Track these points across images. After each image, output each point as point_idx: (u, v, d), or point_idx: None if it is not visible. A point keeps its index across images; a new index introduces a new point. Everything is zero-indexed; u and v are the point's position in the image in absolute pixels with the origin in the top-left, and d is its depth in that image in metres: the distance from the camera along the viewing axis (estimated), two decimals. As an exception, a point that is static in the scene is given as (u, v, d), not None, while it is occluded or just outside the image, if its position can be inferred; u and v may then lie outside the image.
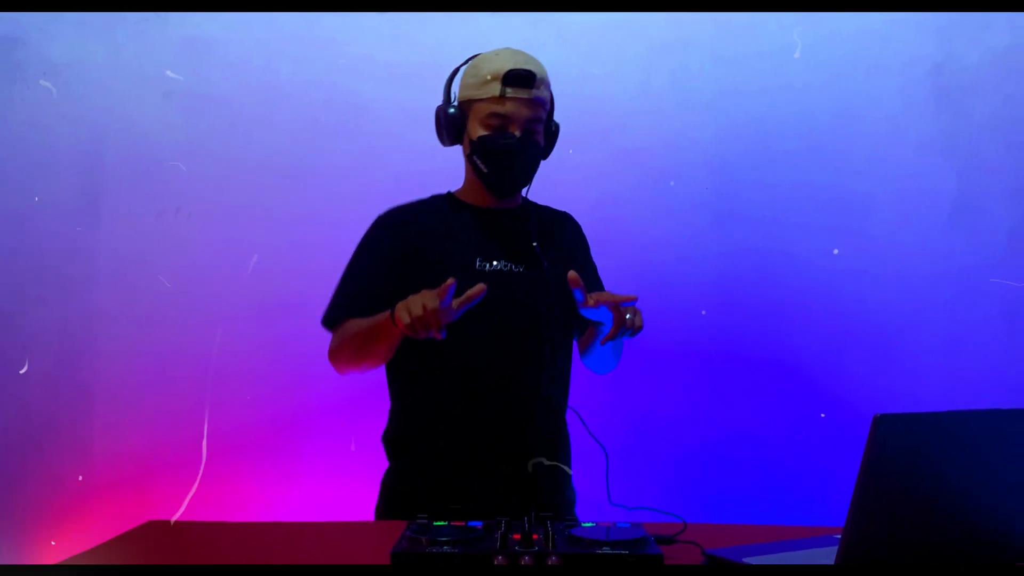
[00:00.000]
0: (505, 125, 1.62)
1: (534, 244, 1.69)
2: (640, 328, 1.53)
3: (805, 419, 2.58)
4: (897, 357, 2.59)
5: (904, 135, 2.61)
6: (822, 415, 2.57)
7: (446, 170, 2.41)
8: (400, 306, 1.45)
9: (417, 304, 1.41)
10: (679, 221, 2.64)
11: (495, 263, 1.67)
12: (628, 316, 1.50)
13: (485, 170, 1.65)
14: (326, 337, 2.57)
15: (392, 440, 1.71)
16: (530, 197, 1.78)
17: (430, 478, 1.64)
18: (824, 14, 2.55)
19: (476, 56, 1.69)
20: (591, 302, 1.50)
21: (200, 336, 2.59)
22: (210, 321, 2.59)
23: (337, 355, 1.68)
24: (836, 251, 2.59)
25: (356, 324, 1.62)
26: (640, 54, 2.66)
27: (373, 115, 2.61)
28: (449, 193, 1.79)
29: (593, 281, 1.80)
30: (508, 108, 1.61)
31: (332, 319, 1.69)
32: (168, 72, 2.61)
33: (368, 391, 2.58)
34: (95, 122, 2.60)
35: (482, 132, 1.63)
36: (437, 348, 1.58)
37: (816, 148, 2.62)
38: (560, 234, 1.79)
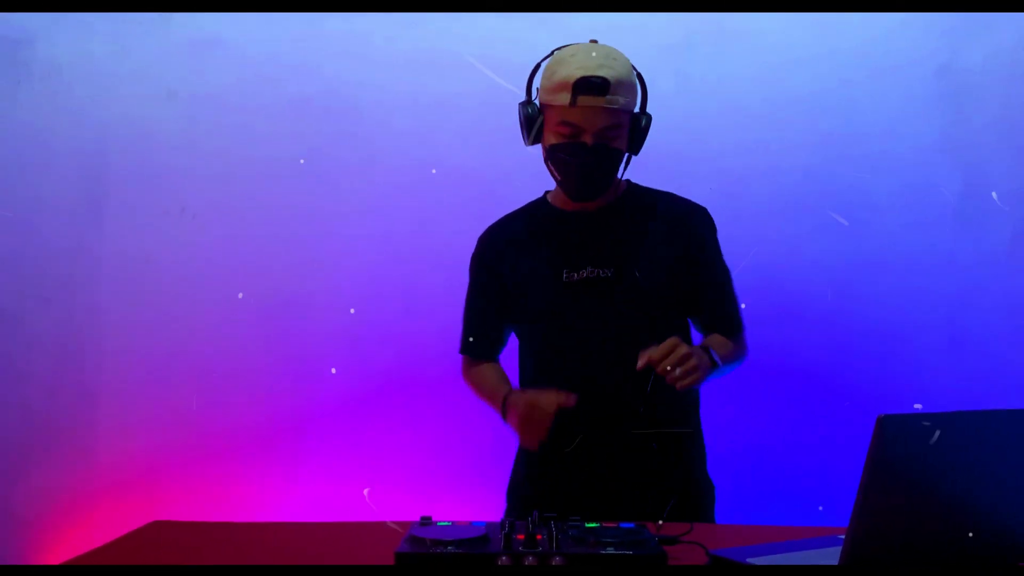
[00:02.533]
0: (576, 134, 1.57)
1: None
2: (680, 381, 1.44)
3: (809, 419, 2.57)
4: (901, 357, 2.58)
5: (909, 135, 2.60)
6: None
7: (447, 169, 2.42)
8: (512, 409, 1.57)
9: (529, 423, 1.51)
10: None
11: (583, 271, 1.63)
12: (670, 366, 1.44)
13: (559, 177, 1.62)
14: (327, 337, 2.60)
15: (520, 453, 1.76)
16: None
17: (556, 488, 1.66)
18: (828, 15, 2.55)
19: (557, 51, 1.63)
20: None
21: (203, 336, 2.60)
22: (213, 321, 2.60)
23: (469, 385, 1.81)
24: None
25: (478, 380, 1.76)
26: (643, 55, 2.64)
27: (377, 115, 2.61)
28: (545, 194, 1.77)
29: (711, 281, 1.72)
30: (578, 118, 1.55)
31: (463, 347, 1.80)
32: (171, 75, 2.62)
33: (369, 390, 2.59)
34: (99, 122, 2.61)
35: (553, 140, 1.59)
36: (539, 368, 1.68)
37: (820, 148, 2.61)
38: (671, 225, 1.69)
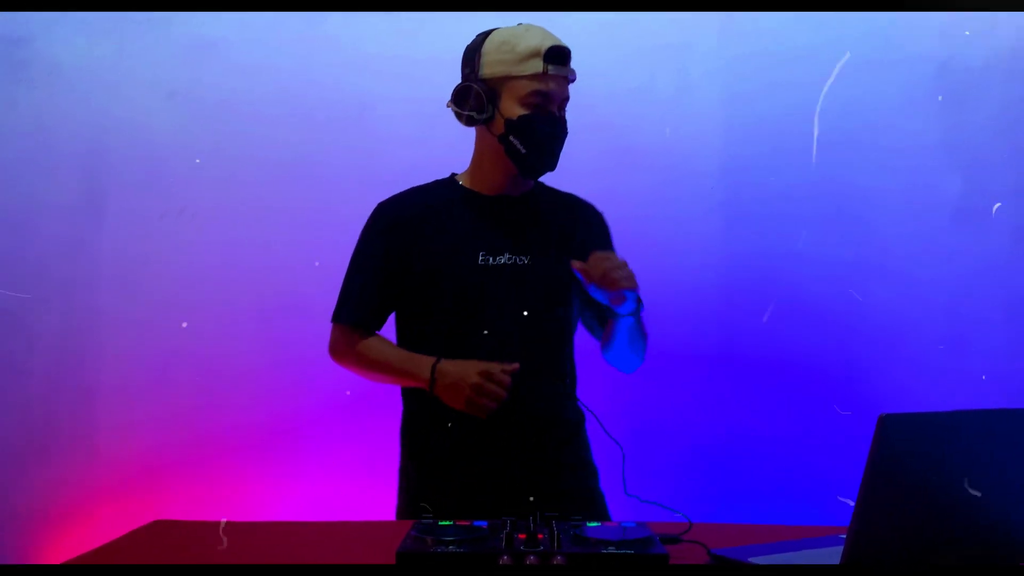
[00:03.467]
0: (545, 103, 1.57)
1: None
2: (620, 280, 1.50)
3: (810, 419, 2.58)
4: (902, 356, 2.58)
5: (908, 135, 2.60)
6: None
7: (450, 167, 2.40)
8: (451, 380, 1.50)
9: (482, 391, 1.46)
10: (683, 220, 2.63)
11: (499, 257, 1.63)
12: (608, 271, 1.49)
13: (524, 151, 1.58)
14: (326, 338, 2.58)
15: (408, 440, 1.70)
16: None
17: (450, 476, 1.61)
18: (828, 14, 2.55)
19: (495, 31, 1.63)
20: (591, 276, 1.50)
21: (203, 336, 2.60)
22: (213, 321, 2.60)
23: (345, 360, 1.70)
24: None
25: (381, 352, 1.65)
26: (645, 54, 2.65)
27: (377, 115, 2.61)
28: (452, 177, 1.74)
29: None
30: (550, 86, 1.56)
31: (340, 315, 1.70)
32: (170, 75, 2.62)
33: (369, 389, 2.59)
34: (98, 122, 2.61)
35: (522, 111, 1.57)
36: (448, 349, 1.59)
37: (820, 148, 2.61)
38: (575, 221, 1.73)
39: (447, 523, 1.24)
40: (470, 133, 2.63)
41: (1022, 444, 1.03)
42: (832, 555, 1.10)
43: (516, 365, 1.49)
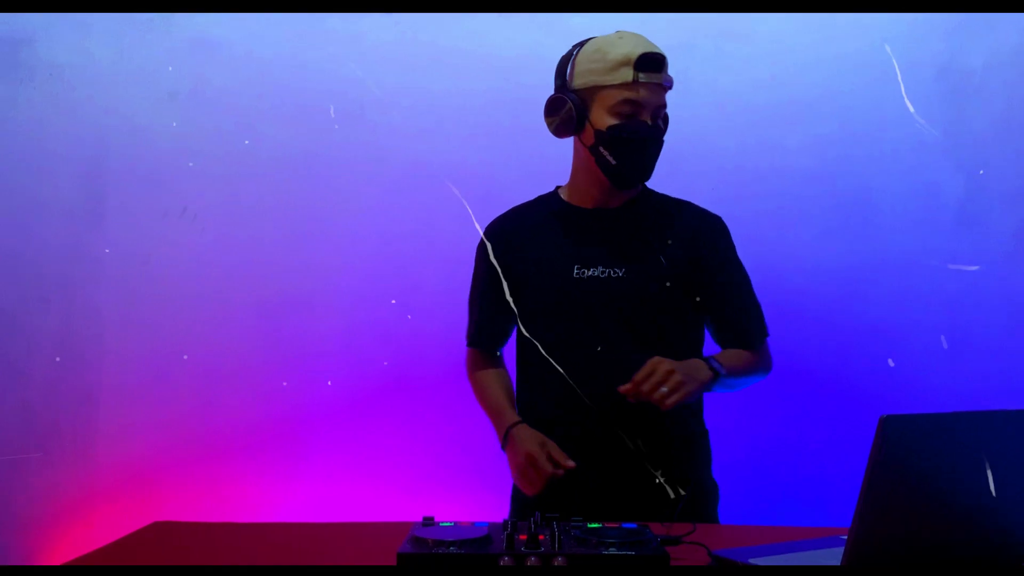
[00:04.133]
0: (636, 113, 1.55)
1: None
2: (664, 401, 1.45)
3: (811, 420, 2.58)
4: (903, 357, 2.58)
5: (909, 136, 2.60)
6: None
7: (448, 170, 2.42)
8: (512, 449, 1.59)
9: (524, 476, 1.53)
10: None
11: (593, 269, 1.62)
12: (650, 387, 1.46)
13: (614, 162, 1.56)
14: (327, 336, 2.59)
15: None
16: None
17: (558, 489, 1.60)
18: (828, 15, 2.55)
19: (590, 40, 1.62)
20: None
21: (203, 336, 2.60)
22: (213, 322, 2.60)
23: (472, 385, 1.82)
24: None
25: (484, 390, 1.76)
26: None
27: (378, 116, 2.61)
28: (556, 190, 1.74)
29: (730, 291, 1.71)
30: (642, 95, 1.54)
31: (468, 339, 1.81)
32: (170, 69, 2.62)
33: (370, 390, 2.59)
34: (99, 123, 2.61)
35: (612, 121, 1.55)
36: (537, 360, 1.66)
37: (820, 149, 2.61)
38: (681, 229, 1.68)
39: (448, 524, 1.24)
40: (470, 132, 2.64)
41: (1021, 445, 1.03)
42: (833, 556, 1.10)
43: (572, 464, 1.50)
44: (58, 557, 2.51)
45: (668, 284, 1.62)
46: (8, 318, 2.58)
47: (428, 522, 1.24)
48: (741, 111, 2.62)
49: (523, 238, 1.68)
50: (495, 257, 1.71)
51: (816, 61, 2.61)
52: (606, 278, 1.62)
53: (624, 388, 1.46)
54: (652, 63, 1.54)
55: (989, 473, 1.01)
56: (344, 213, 2.62)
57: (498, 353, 1.83)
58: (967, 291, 2.57)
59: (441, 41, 2.59)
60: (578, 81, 1.58)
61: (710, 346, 1.78)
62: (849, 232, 2.61)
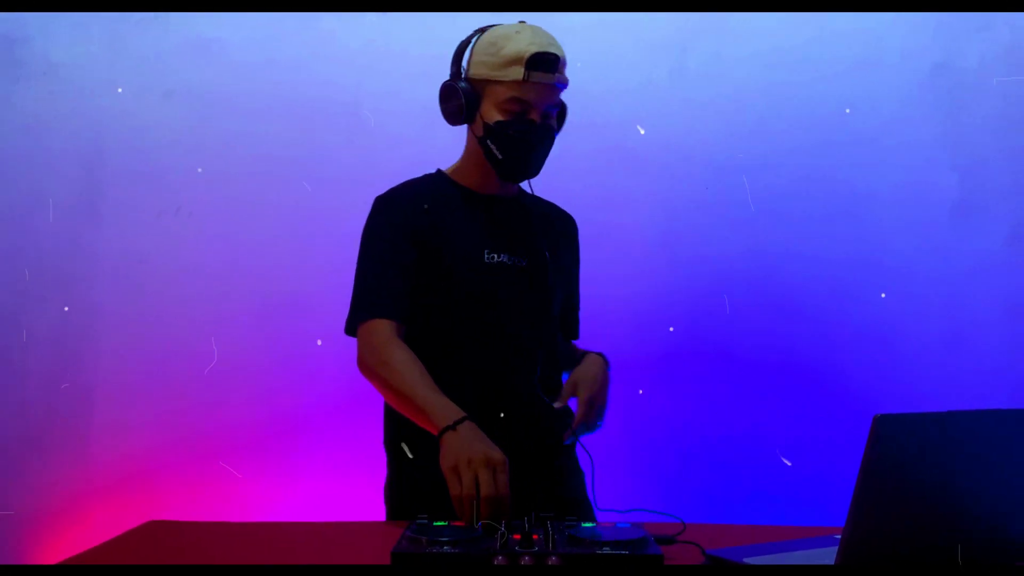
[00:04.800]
0: (525, 111, 1.54)
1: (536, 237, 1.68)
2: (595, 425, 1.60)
3: (806, 419, 2.58)
4: (897, 356, 2.58)
5: (905, 134, 2.61)
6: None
7: (449, 166, 2.39)
8: (451, 461, 1.30)
9: (470, 481, 1.27)
10: (679, 220, 2.63)
11: (501, 256, 1.62)
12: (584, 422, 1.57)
13: (500, 156, 1.57)
14: (324, 337, 2.57)
15: (392, 443, 1.66)
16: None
17: (437, 478, 1.57)
18: (824, 14, 2.55)
19: (490, 28, 1.60)
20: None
21: (201, 335, 2.59)
22: (210, 320, 2.60)
23: (368, 374, 1.53)
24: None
25: (407, 377, 1.45)
26: (641, 54, 2.66)
27: (374, 114, 2.61)
28: (439, 172, 1.71)
29: (576, 289, 1.81)
30: (530, 95, 1.53)
31: (359, 314, 1.56)
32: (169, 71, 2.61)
33: (367, 390, 2.59)
34: (95, 122, 2.60)
35: (499, 117, 1.55)
36: (438, 345, 1.57)
37: (816, 148, 2.62)
38: (559, 230, 1.76)
39: (442, 523, 1.24)
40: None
41: (1017, 444, 1.03)
42: (827, 555, 1.10)
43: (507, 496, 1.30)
44: (53, 556, 2.51)
45: (560, 278, 1.68)
46: (5, 316, 2.58)
47: (423, 521, 1.24)
48: (736, 109, 2.62)
49: (426, 215, 1.61)
50: (396, 225, 1.60)
51: (812, 60, 2.61)
52: (512, 266, 1.63)
53: (567, 435, 1.57)
54: (544, 63, 1.52)
55: (982, 473, 1.01)
56: (342, 211, 2.61)
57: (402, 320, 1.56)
58: (962, 288, 2.58)
59: (439, 39, 2.58)
60: (472, 71, 1.59)
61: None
62: (845, 230, 2.62)
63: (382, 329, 1.53)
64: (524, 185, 1.70)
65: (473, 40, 1.62)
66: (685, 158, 2.62)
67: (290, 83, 2.61)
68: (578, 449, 1.70)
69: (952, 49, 2.61)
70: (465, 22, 2.57)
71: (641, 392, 2.57)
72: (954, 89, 2.61)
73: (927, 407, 1.29)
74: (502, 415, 1.57)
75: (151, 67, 2.61)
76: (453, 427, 1.36)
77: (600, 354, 1.70)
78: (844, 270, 2.60)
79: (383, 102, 2.61)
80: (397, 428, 1.62)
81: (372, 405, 2.57)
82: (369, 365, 1.51)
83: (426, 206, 1.62)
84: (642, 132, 2.56)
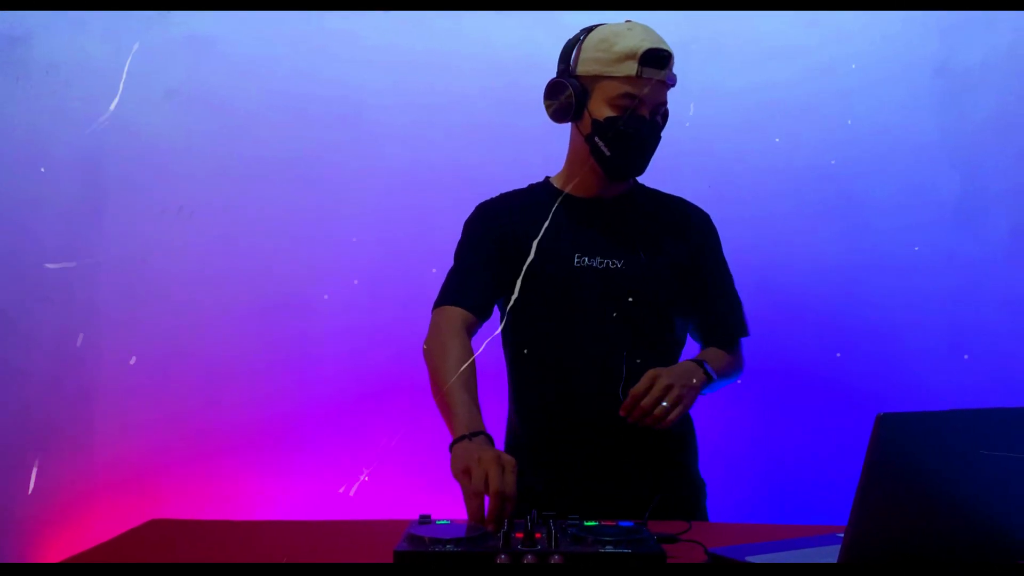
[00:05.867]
0: (636, 107, 1.53)
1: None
2: (665, 410, 1.44)
3: (808, 418, 2.58)
4: (900, 356, 2.58)
5: (907, 135, 2.61)
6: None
7: (445, 169, 2.40)
8: (461, 464, 1.30)
9: (480, 477, 1.26)
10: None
11: (593, 259, 1.61)
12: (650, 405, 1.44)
13: (608, 153, 1.56)
14: (324, 336, 2.57)
15: (509, 446, 1.68)
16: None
17: (549, 483, 1.58)
18: (826, 14, 2.55)
19: (598, 27, 1.60)
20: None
21: (201, 336, 2.59)
22: (211, 321, 2.60)
23: (425, 355, 1.57)
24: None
25: (452, 374, 1.48)
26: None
27: (376, 114, 2.61)
28: (546, 180, 1.72)
29: (717, 286, 1.72)
30: (643, 90, 1.52)
31: (446, 297, 1.61)
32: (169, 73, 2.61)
33: (367, 388, 2.59)
34: (96, 121, 2.60)
35: (609, 112, 1.54)
36: (532, 352, 1.60)
37: (818, 147, 2.62)
38: (676, 226, 1.69)
39: (444, 522, 1.24)
40: (467, 131, 2.64)
41: (1019, 443, 1.03)
42: (829, 554, 1.10)
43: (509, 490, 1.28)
44: (55, 555, 2.51)
45: (664, 279, 1.62)
46: (6, 317, 2.58)
47: (425, 520, 1.24)
48: (738, 109, 2.62)
49: (519, 220, 1.64)
50: (489, 229, 1.65)
51: (813, 60, 2.61)
52: (604, 269, 1.61)
53: (623, 407, 1.46)
54: (657, 59, 1.52)
55: (984, 471, 1.01)
56: (342, 211, 2.62)
57: (472, 331, 1.59)
58: (964, 289, 2.58)
59: (439, 40, 2.59)
60: (581, 68, 1.58)
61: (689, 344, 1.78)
62: (846, 230, 2.61)
63: (452, 316, 1.57)
64: (644, 180, 1.69)
65: (582, 38, 1.61)
66: (685, 158, 2.62)
67: (292, 82, 2.61)
68: (706, 459, 1.70)
69: (954, 49, 2.61)
70: (467, 21, 2.59)
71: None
72: (956, 89, 2.61)
73: (930, 406, 1.29)
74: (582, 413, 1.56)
75: (152, 66, 2.61)
76: (469, 437, 1.38)
77: (702, 362, 1.60)
78: (845, 270, 2.60)
79: (385, 100, 2.61)
80: (513, 432, 1.67)
81: (372, 404, 2.58)
82: (427, 349, 1.56)
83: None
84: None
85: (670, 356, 1.68)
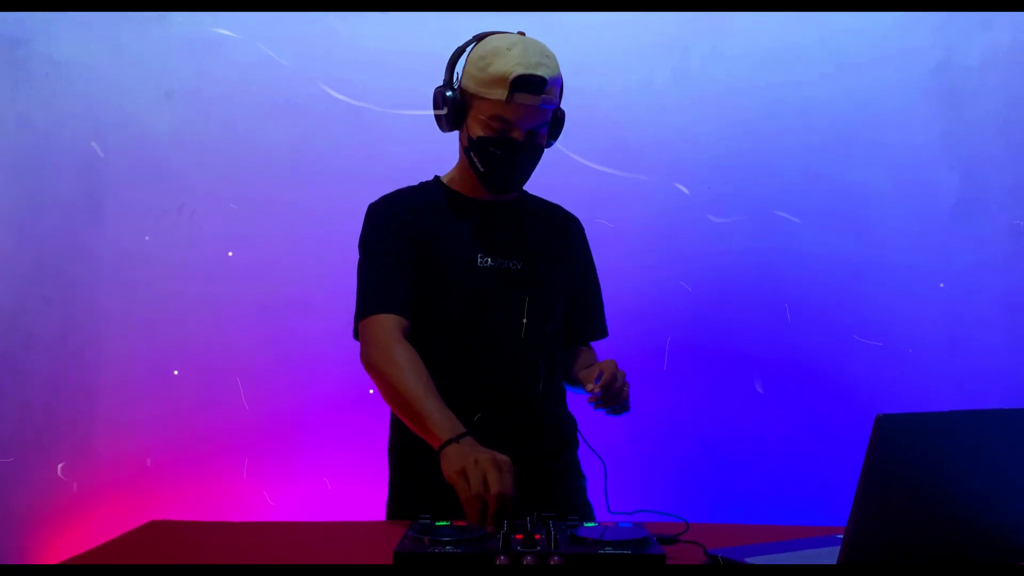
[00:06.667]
0: (507, 129, 1.54)
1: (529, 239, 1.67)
2: (624, 402, 1.54)
3: (807, 419, 2.58)
4: (899, 356, 2.58)
5: (906, 134, 2.61)
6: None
7: (448, 167, 2.39)
8: (456, 466, 1.28)
9: (478, 479, 1.25)
10: (680, 219, 2.63)
11: (495, 260, 1.62)
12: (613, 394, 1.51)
13: (482, 169, 1.59)
14: (325, 337, 2.57)
15: (395, 449, 1.66)
16: (530, 189, 1.75)
17: (437, 484, 1.52)
18: (825, 14, 2.55)
19: (484, 39, 1.60)
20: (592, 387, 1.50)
21: (201, 335, 2.60)
22: (211, 321, 2.60)
23: (372, 371, 1.51)
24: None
25: (411, 381, 1.44)
26: (643, 53, 2.66)
27: (375, 113, 2.61)
28: (437, 179, 1.72)
29: (590, 289, 1.79)
30: (512, 115, 1.52)
31: (365, 310, 1.55)
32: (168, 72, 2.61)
33: (367, 390, 2.59)
34: (97, 122, 2.61)
35: (481, 132, 1.55)
36: (437, 351, 1.57)
37: (818, 147, 2.62)
38: (559, 232, 1.75)
39: (444, 523, 1.24)
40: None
41: (1019, 444, 1.03)
42: (829, 555, 1.10)
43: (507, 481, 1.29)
44: (55, 556, 2.51)
45: (555, 281, 1.66)
46: (7, 316, 2.58)
47: (425, 521, 1.24)
48: (737, 108, 2.62)
49: (422, 220, 1.63)
50: (392, 231, 1.61)
51: (813, 60, 2.61)
52: (505, 269, 1.63)
53: (594, 396, 1.49)
54: (529, 84, 1.50)
55: (984, 472, 1.01)
56: (342, 210, 2.61)
57: (407, 334, 1.54)
58: (963, 288, 2.58)
59: (441, 42, 2.58)
60: (462, 81, 1.60)
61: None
62: (845, 229, 2.62)
63: (388, 324, 1.52)
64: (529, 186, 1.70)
65: (468, 49, 1.62)
66: (686, 157, 2.62)
67: (292, 82, 2.61)
68: (585, 452, 1.70)
69: (953, 48, 2.61)
70: (467, 22, 2.58)
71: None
72: (955, 89, 2.61)
73: (929, 407, 1.29)
74: (476, 417, 1.55)
75: (152, 67, 2.61)
76: (456, 440, 1.36)
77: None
78: (845, 269, 2.60)
79: (384, 101, 2.61)
80: (404, 436, 1.61)
81: (372, 405, 2.58)
82: (373, 362, 1.49)
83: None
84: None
85: (556, 354, 1.70)
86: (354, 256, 1.64)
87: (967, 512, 1.01)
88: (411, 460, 1.62)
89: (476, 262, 1.62)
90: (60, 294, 2.60)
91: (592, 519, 1.64)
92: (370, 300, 1.56)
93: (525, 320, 1.63)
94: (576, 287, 1.75)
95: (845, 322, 2.60)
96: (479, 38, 1.62)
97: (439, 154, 2.34)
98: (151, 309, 2.60)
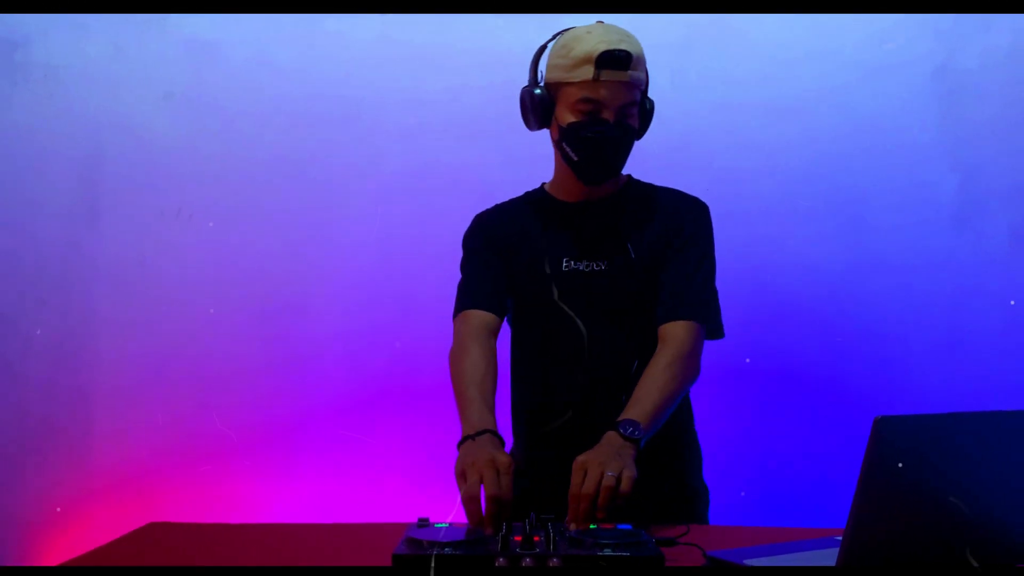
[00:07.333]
0: (597, 111, 1.52)
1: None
2: (609, 492, 1.30)
3: (806, 420, 2.58)
4: (898, 358, 2.58)
5: (906, 136, 2.61)
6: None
7: (444, 170, 2.40)
8: (459, 466, 1.32)
9: (475, 481, 1.26)
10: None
11: (580, 263, 1.61)
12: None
13: (575, 158, 1.56)
14: (323, 338, 2.57)
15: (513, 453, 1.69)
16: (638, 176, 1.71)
17: (538, 484, 1.60)
18: (825, 16, 2.55)
19: (565, 32, 1.59)
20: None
21: (200, 337, 2.60)
22: (210, 322, 2.60)
23: (449, 362, 1.59)
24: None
25: (466, 377, 1.50)
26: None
27: (374, 116, 2.61)
28: (541, 186, 1.73)
29: (681, 259, 1.60)
30: (601, 93, 1.51)
31: (465, 302, 1.64)
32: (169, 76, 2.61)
33: (366, 391, 2.59)
34: (95, 124, 2.61)
35: (572, 118, 1.53)
36: (530, 356, 1.64)
37: (817, 149, 2.62)
38: (665, 215, 1.64)
39: (443, 525, 1.24)
40: (466, 132, 2.64)
41: (1019, 446, 1.03)
42: (828, 557, 1.10)
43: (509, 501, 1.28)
44: (54, 558, 2.51)
45: (648, 276, 1.60)
46: (4, 319, 2.58)
47: (423, 523, 1.24)
48: (737, 109, 2.62)
49: (512, 230, 1.67)
50: (486, 239, 1.68)
51: (812, 61, 2.61)
52: (589, 272, 1.61)
53: (570, 518, 1.30)
54: (614, 60, 1.50)
55: (983, 474, 1.01)
56: (340, 214, 2.62)
57: (495, 331, 1.61)
58: (963, 290, 2.58)
59: (438, 42, 2.59)
60: (547, 75, 1.59)
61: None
62: (844, 232, 2.61)
63: (472, 320, 1.60)
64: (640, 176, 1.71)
65: (548, 45, 1.61)
66: (683, 158, 2.62)
67: (291, 84, 2.61)
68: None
69: (953, 51, 2.61)
70: (467, 23, 2.59)
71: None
72: (955, 91, 2.61)
73: (928, 408, 1.29)
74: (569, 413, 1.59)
75: (150, 69, 2.61)
76: (473, 437, 1.38)
77: (617, 425, 1.44)
78: (845, 271, 2.60)
79: (383, 103, 2.61)
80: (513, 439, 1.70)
81: (370, 407, 2.58)
82: (450, 353, 1.59)
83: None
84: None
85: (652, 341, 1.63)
86: (354, 257, 1.65)
87: (967, 514, 1.01)
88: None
89: (561, 267, 1.62)
90: (57, 297, 2.60)
91: (701, 501, 1.67)
92: (459, 300, 1.65)
93: (611, 318, 1.60)
94: (670, 258, 1.61)
95: (844, 323, 2.60)
96: (557, 35, 1.62)
97: (439, 154, 2.35)
98: (148, 312, 2.60)
